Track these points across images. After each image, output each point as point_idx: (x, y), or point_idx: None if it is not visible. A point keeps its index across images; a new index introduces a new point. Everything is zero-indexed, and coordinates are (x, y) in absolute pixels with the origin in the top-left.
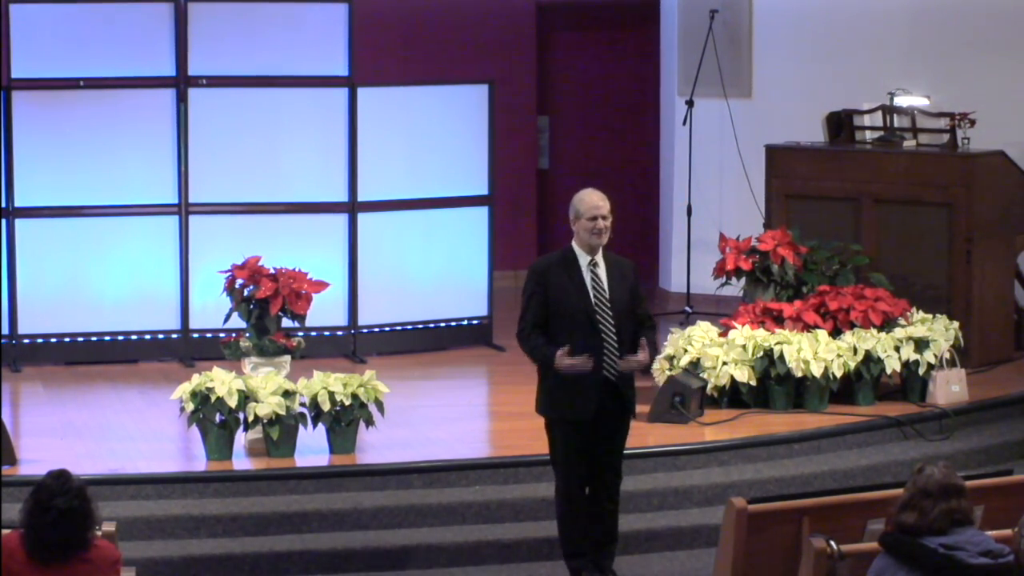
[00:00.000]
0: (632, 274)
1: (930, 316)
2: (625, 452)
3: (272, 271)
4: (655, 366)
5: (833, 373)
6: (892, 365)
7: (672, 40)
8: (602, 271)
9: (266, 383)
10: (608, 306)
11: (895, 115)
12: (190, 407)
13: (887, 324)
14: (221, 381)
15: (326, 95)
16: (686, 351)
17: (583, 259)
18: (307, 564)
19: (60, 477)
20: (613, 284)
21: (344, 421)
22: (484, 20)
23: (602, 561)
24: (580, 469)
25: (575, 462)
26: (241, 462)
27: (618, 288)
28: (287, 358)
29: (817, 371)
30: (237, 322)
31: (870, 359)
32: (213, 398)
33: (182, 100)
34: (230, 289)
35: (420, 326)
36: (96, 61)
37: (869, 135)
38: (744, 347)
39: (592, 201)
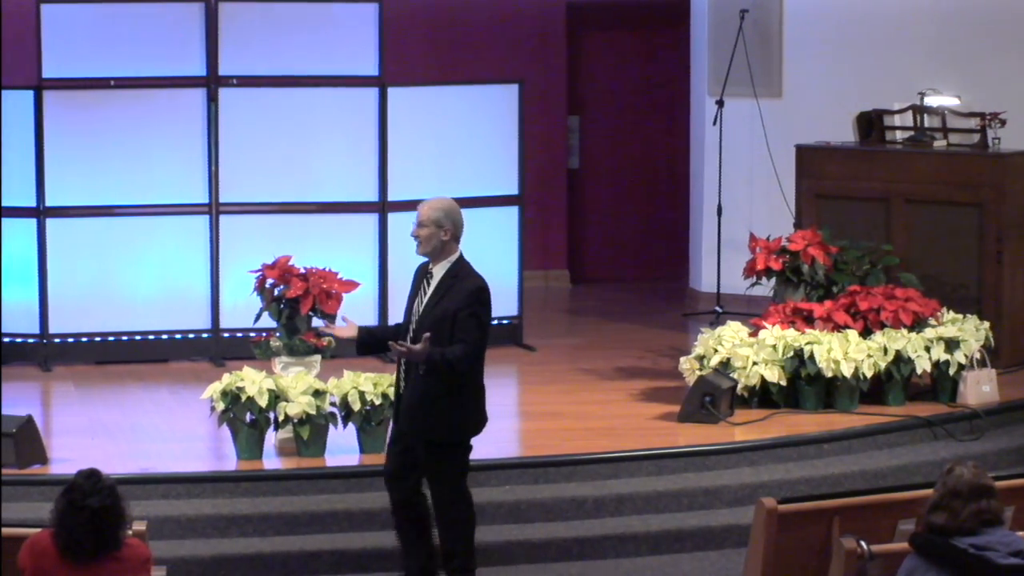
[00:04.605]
0: (461, 297)
1: (960, 316)
2: (654, 452)
3: (302, 271)
4: (684, 366)
5: (863, 373)
6: (922, 365)
7: (702, 40)
8: (432, 284)
9: (296, 383)
10: (415, 321)
11: (925, 115)
12: (220, 406)
13: (917, 324)
14: (251, 381)
15: (356, 95)
16: (716, 351)
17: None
18: (337, 564)
19: (92, 477)
20: (432, 301)
21: (374, 421)
22: (514, 20)
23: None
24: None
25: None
26: (271, 461)
27: (436, 306)
28: (317, 358)
29: (847, 371)
30: (267, 322)
31: (900, 359)
32: (243, 398)
33: (212, 100)
34: (260, 289)
35: None
36: (127, 61)
37: (900, 135)
38: (774, 347)
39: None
